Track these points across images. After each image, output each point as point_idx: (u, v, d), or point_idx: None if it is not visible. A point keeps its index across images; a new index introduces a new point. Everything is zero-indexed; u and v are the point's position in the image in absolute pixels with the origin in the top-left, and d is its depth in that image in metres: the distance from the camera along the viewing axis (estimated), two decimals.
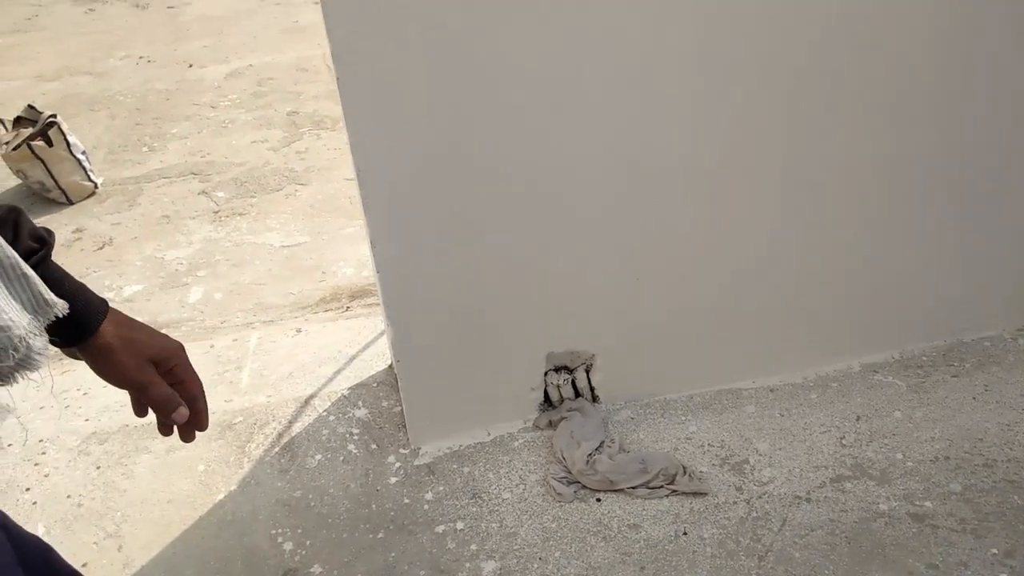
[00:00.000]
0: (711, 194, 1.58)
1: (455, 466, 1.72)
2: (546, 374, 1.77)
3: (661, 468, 1.64)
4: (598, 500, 1.63)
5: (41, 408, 1.93)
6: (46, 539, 1.55)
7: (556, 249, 1.57)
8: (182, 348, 0.87)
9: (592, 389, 1.82)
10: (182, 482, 1.71)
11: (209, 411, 0.90)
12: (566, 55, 1.34)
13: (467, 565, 1.52)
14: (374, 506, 1.64)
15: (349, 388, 1.94)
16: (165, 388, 0.83)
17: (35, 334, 0.70)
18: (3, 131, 3.27)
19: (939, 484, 1.62)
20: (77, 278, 0.80)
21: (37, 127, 3.18)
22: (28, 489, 1.72)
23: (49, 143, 3.13)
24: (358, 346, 2.09)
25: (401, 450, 1.77)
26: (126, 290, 2.60)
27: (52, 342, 0.73)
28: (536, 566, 1.51)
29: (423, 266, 1.51)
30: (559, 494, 1.63)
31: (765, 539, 1.53)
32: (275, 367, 2.04)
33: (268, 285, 2.57)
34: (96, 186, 3.27)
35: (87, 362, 0.81)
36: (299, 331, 2.19)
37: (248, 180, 3.30)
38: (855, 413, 1.80)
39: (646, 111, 1.44)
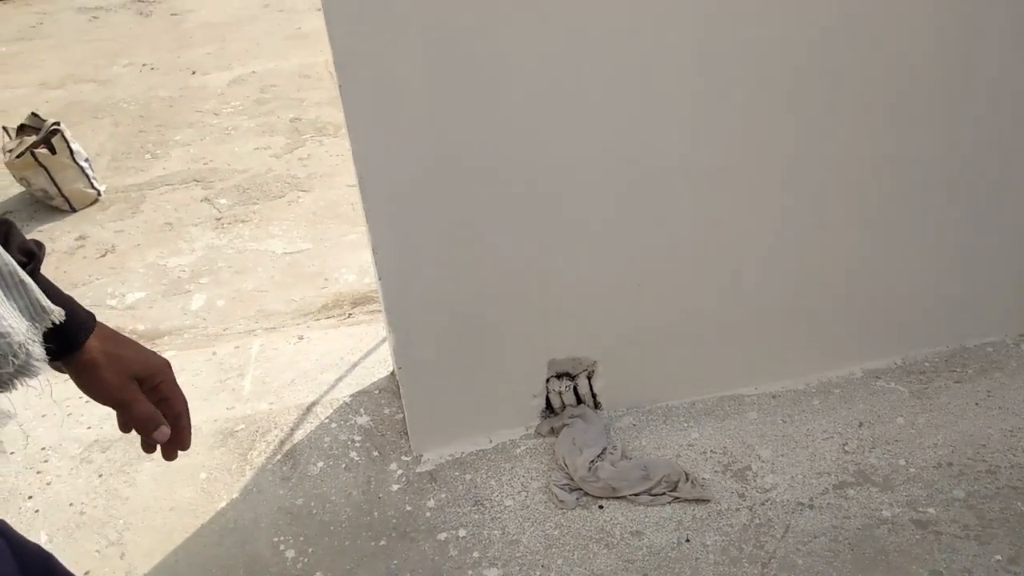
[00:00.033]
0: (712, 199, 1.58)
1: (457, 473, 1.72)
2: (548, 381, 1.77)
3: (663, 475, 1.64)
4: (600, 507, 1.63)
5: (43, 416, 1.93)
6: (48, 547, 1.55)
7: (557, 255, 1.57)
8: (168, 365, 0.86)
9: (594, 395, 1.81)
10: (184, 490, 1.71)
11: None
12: (566, 60, 1.34)
13: (469, 573, 1.51)
14: (376, 513, 1.64)
15: (351, 395, 1.95)
16: (147, 406, 0.82)
17: (34, 340, 0.71)
18: (7, 139, 3.28)
19: (942, 490, 1.62)
20: (66, 291, 0.79)
21: (40, 135, 3.19)
22: (30, 497, 1.72)
23: (52, 151, 3.14)
24: (360, 353, 2.09)
25: (403, 457, 1.77)
26: (129, 297, 2.60)
27: None
28: (538, 573, 1.50)
29: (425, 273, 1.52)
30: (561, 501, 1.63)
31: (768, 546, 1.53)
32: (277, 374, 2.04)
33: (270, 292, 2.58)
34: (99, 193, 3.28)
35: (71, 376, 0.80)
36: (301, 338, 2.19)
37: (251, 187, 3.31)
38: (857, 419, 1.80)
39: (646, 116, 1.44)
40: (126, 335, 0.84)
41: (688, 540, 1.55)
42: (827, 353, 1.90)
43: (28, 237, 0.78)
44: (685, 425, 1.81)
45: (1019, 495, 1.60)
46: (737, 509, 1.60)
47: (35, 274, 0.76)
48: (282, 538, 1.60)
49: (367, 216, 1.42)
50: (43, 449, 1.84)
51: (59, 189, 3.14)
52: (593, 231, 1.56)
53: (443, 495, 1.67)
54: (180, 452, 0.91)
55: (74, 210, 3.20)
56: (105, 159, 3.64)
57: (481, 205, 1.46)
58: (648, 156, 1.49)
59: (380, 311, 2.11)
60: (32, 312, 0.72)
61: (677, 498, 1.62)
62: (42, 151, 3.12)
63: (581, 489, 1.65)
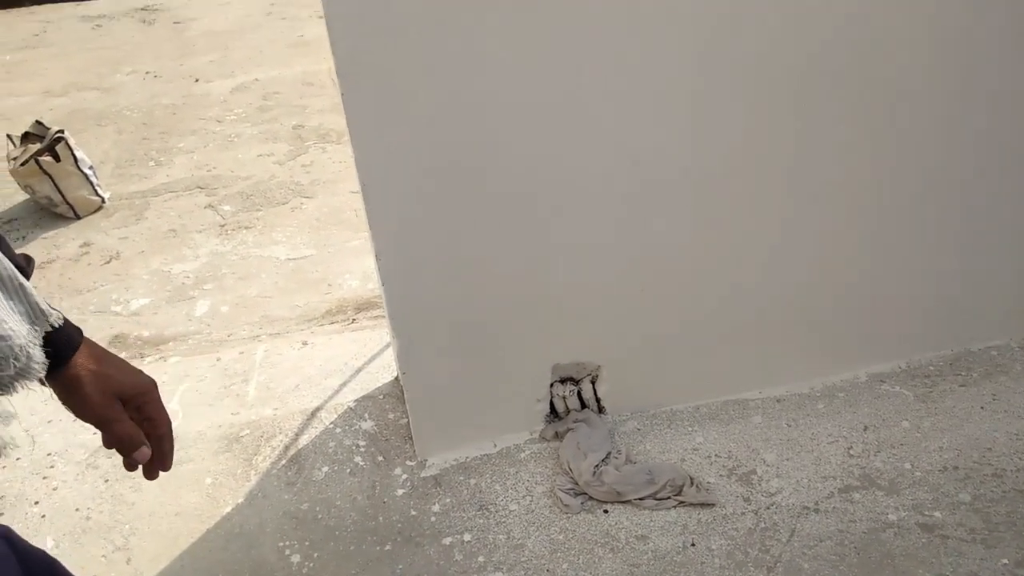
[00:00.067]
0: (715, 203, 1.58)
1: (462, 478, 1.72)
2: (552, 385, 1.77)
3: (668, 479, 1.64)
4: (605, 511, 1.63)
5: (49, 422, 1.94)
6: (55, 552, 1.56)
7: (560, 260, 1.57)
8: (154, 386, 0.85)
9: (598, 400, 1.81)
10: (190, 495, 1.71)
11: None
12: (568, 68, 1.35)
13: None
14: (381, 518, 1.64)
15: (355, 400, 1.95)
16: (129, 426, 0.81)
17: (34, 344, 0.71)
18: (11, 147, 3.29)
19: (948, 494, 1.62)
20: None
21: (45, 142, 3.20)
22: (37, 502, 1.72)
23: (56, 158, 3.15)
24: (364, 358, 2.09)
25: (408, 462, 1.77)
26: (133, 304, 2.61)
27: None
28: None
29: (428, 278, 1.52)
30: (566, 505, 1.63)
31: (774, 550, 1.53)
32: (281, 380, 2.05)
33: (274, 298, 2.58)
34: (103, 200, 3.29)
35: (55, 391, 0.79)
36: (305, 343, 2.20)
37: (254, 194, 3.32)
38: (862, 423, 1.79)
39: (649, 122, 1.44)
40: (113, 353, 0.83)
41: (693, 544, 1.55)
42: (831, 357, 1.90)
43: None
44: (690, 429, 1.81)
45: None
46: (742, 513, 1.60)
47: None
48: (287, 543, 1.60)
49: (370, 222, 1.43)
50: (49, 455, 1.84)
51: (63, 196, 3.15)
52: (597, 236, 1.56)
53: (448, 500, 1.67)
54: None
55: (78, 217, 3.21)
56: (109, 166, 3.65)
57: (484, 211, 1.47)
58: (651, 161, 1.49)
59: (384, 316, 2.12)
60: (32, 316, 0.72)
61: (682, 502, 1.62)
62: (46, 159, 3.14)
63: (586, 493, 1.65)
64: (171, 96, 4.45)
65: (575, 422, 1.77)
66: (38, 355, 0.71)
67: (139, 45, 5.43)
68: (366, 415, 1.90)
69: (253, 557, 1.57)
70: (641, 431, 1.81)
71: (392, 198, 1.41)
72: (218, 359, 2.15)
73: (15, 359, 0.68)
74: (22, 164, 3.13)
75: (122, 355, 2.31)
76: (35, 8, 6.50)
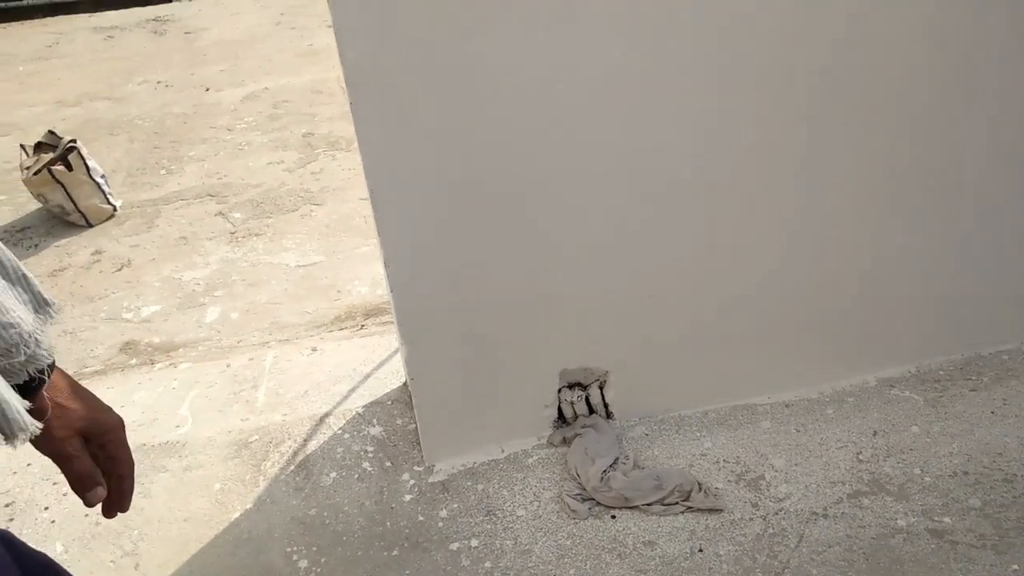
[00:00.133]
0: (723, 208, 1.58)
1: (469, 483, 1.72)
2: (560, 391, 1.77)
3: (676, 484, 1.63)
4: (613, 517, 1.62)
5: None
6: (64, 557, 1.57)
7: (569, 265, 1.57)
8: (120, 425, 0.83)
9: (606, 405, 1.81)
10: (198, 500, 1.72)
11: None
12: (577, 76, 1.35)
13: None
14: (389, 524, 1.64)
15: (364, 406, 1.95)
16: (85, 464, 0.79)
17: (41, 331, 0.72)
18: (24, 156, 3.33)
19: (958, 499, 1.60)
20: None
21: (57, 152, 3.24)
22: (46, 508, 1.73)
23: (69, 167, 3.19)
24: (372, 364, 2.10)
25: (415, 467, 1.77)
26: (144, 311, 2.63)
27: None
28: None
29: (436, 284, 1.53)
30: (573, 511, 1.62)
31: (782, 556, 1.52)
32: (291, 386, 2.06)
33: (284, 304, 2.60)
34: (115, 209, 3.32)
35: None
36: (314, 350, 2.21)
37: (264, 201, 3.34)
38: (872, 428, 1.79)
39: (656, 127, 1.45)
40: (84, 387, 0.81)
41: (701, 550, 1.54)
42: (840, 362, 1.90)
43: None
44: (698, 435, 1.80)
45: None
46: (751, 519, 1.60)
47: None
48: (295, 548, 1.60)
49: (379, 229, 1.44)
50: None
51: (76, 205, 3.18)
52: (604, 242, 1.56)
53: (455, 505, 1.67)
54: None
55: (90, 225, 3.24)
56: (121, 175, 3.69)
57: (491, 216, 1.47)
58: (658, 166, 1.49)
59: (392, 323, 2.12)
60: (36, 304, 0.73)
61: (690, 508, 1.62)
62: (59, 168, 3.17)
63: (593, 499, 1.65)
64: (182, 105, 4.49)
65: (583, 427, 1.77)
66: (45, 342, 0.72)
67: (150, 55, 5.49)
68: (374, 421, 1.91)
69: (261, 563, 1.58)
70: (649, 436, 1.81)
71: (400, 205, 1.41)
72: (228, 365, 2.16)
73: (25, 346, 0.69)
74: (35, 173, 3.17)
75: (132, 361, 2.34)
76: (48, 20, 6.58)
